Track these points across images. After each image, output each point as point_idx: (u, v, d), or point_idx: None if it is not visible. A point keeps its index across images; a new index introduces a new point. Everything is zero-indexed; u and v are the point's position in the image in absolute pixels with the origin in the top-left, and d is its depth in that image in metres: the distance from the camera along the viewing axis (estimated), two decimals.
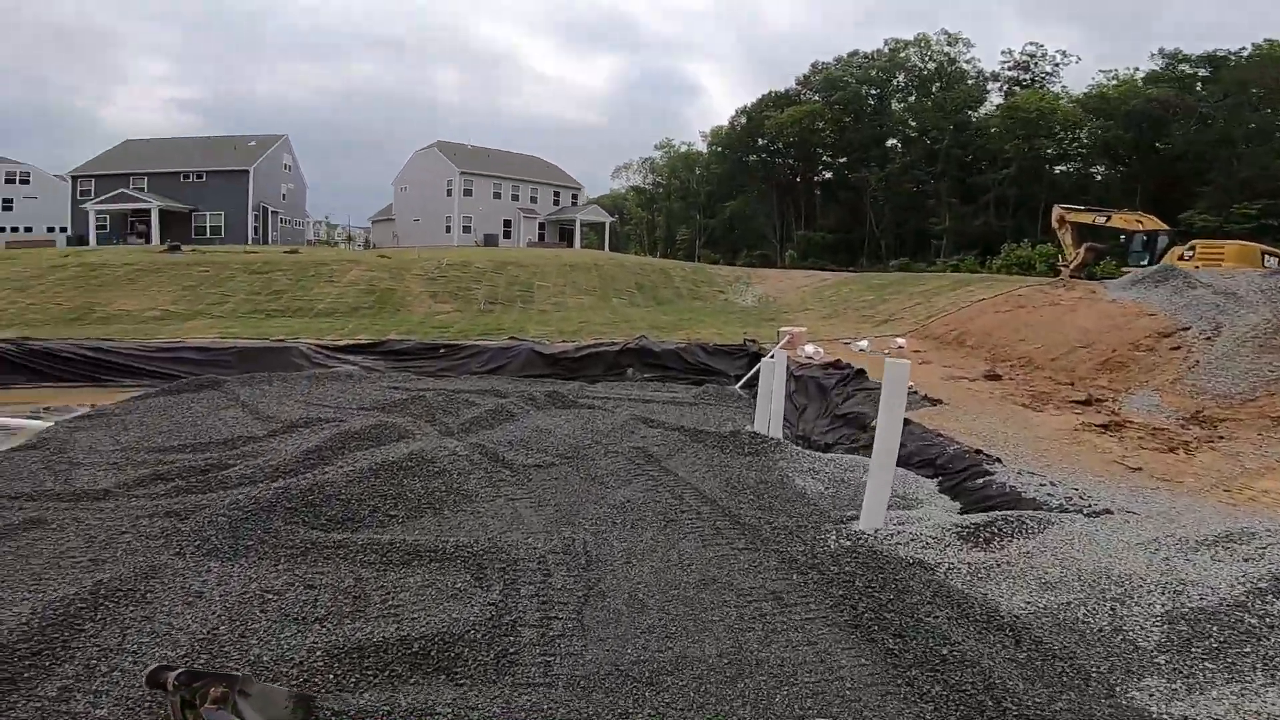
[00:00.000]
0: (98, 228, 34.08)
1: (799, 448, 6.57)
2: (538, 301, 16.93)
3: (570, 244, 44.24)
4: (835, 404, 7.72)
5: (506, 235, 44.54)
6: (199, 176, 37.37)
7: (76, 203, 35.77)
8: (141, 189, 35.43)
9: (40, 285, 14.98)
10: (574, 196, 49.75)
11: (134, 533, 4.12)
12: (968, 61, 50.82)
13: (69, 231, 36.02)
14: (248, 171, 37.93)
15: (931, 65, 51.52)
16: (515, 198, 45.90)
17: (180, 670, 2.19)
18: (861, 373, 8.39)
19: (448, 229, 42.63)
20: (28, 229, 38.27)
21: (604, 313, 15.71)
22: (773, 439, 6.45)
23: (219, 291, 15.08)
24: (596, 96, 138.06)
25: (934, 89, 50.20)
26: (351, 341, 11.06)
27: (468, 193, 43.41)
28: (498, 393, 8.31)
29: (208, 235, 35.60)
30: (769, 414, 6.60)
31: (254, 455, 5.71)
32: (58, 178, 38.58)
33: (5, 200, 40.24)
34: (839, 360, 9.15)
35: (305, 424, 6.78)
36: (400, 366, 10.29)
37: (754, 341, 11.09)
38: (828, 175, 57.08)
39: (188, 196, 36.91)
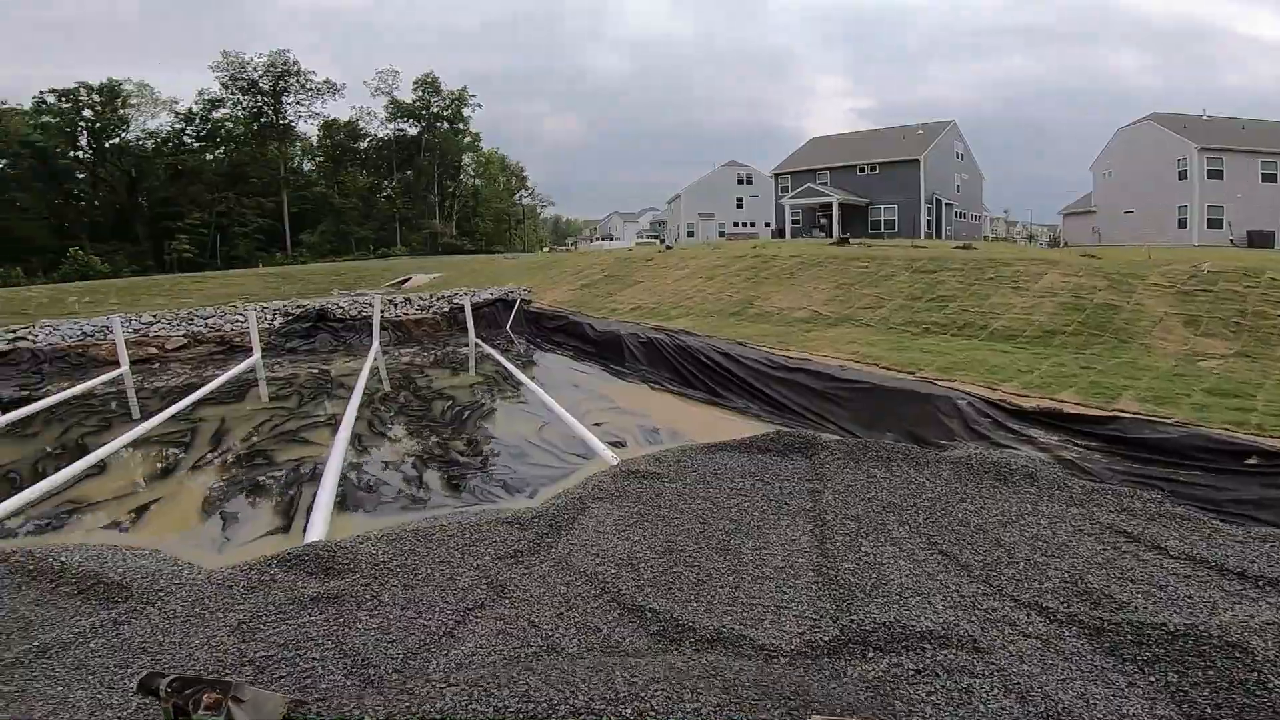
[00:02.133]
0: (792, 222, 38.51)
1: None
2: None
3: None
4: None
5: None
6: (871, 169, 37.80)
7: (777, 198, 41.36)
8: (825, 183, 38.10)
9: (722, 275, 15.68)
10: None
11: None
12: None
13: (772, 225, 42.15)
14: (918, 161, 36.14)
15: None
16: None
17: (173, 676, 2.11)
18: None
19: (1181, 223, 31.07)
20: (750, 224, 47.03)
21: None
22: None
23: (874, 293, 12.58)
24: None
25: None
26: (1046, 402, 6.40)
27: (1214, 175, 30.53)
28: None
29: (881, 229, 35.64)
30: None
31: None
32: (770, 177, 45.60)
33: (738, 199, 50.56)
34: None
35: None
36: (1145, 478, 5.07)
37: None
38: None
39: (863, 189, 37.81)
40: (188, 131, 55.12)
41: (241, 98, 55.41)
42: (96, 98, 50.50)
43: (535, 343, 15.02)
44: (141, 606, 3.33)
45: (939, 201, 37.41)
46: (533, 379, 9.93)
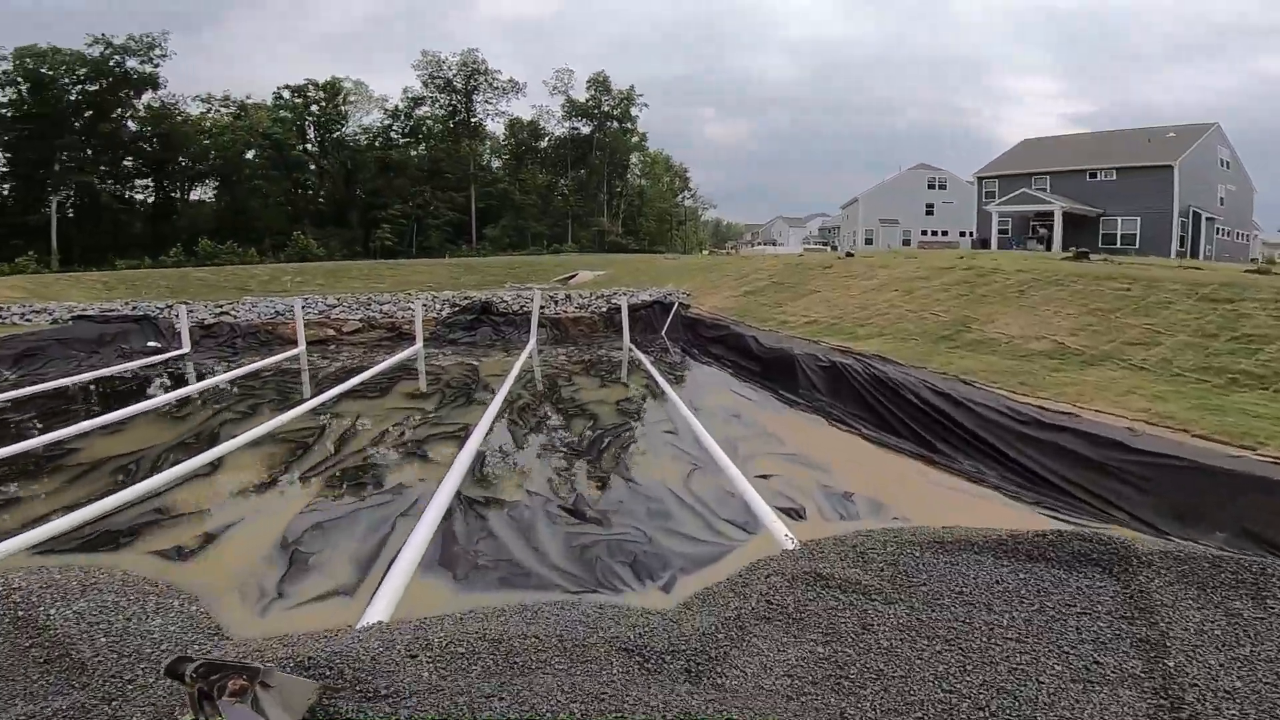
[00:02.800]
0: (999, 231, 33.52)
1: None
2: None
3: None
4: None
5: None
6: (1105, 174, 31.78)
7: (980, 205, 36.29)
8: (1043, 189, 32.72)
9: (924, 289, 13.14)
10: None
11: None
12: None
13: (973, 234, 37.11)
14: (1170, 168, 29.82)
15: None
16: None
17: (199, 662, 2.01)
18: None
19: None
20: (944, 232, 42.03)
21: None
22: None
23: (1143, 324, 9.52)
24: None
25: None
26: None
27: None
28: None
29: (1118, 244, 29.85)
30: None
31: None
32: (968, 182, 40.28)
33: (928, 205, 45.35)
34: None
35: None
36: None
37: None
38: None
39: (1093, 197, 31.95)
40: (394, 128, 60.82)
41: (439, 95, 60.07)
42: (321, 94, 57.11)
43: (691, 353, 13.57)
44: (95, 704, 2.28)
45: (1196, 214, 30.60)
46: (686, 401, 8.42)
